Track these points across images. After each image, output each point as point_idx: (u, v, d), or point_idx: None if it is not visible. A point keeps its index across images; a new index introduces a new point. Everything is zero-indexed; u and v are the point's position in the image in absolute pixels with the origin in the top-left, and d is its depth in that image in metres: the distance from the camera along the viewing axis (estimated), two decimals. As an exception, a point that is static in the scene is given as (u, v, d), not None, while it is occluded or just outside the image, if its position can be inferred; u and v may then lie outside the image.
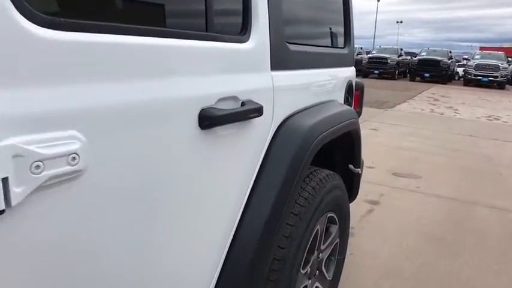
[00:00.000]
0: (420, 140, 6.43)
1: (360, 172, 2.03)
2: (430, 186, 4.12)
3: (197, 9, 1.03)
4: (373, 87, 15.66)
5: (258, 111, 1.12)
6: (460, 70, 22.53)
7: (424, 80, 19.63)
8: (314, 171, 1.60)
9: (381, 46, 24.47)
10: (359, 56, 22.07)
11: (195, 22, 1.04)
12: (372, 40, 48.67)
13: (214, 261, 1.12)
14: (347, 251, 2.63)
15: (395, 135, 6.73)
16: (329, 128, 1.48)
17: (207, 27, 1.03)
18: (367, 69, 20.45)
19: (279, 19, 1.28)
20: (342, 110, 1.69)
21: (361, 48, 24.49)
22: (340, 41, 1.97)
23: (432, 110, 10.28)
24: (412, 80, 20.20)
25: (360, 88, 2.20)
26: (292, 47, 1.38)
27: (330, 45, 1.82)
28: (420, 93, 14.53)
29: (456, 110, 10.48)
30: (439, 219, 3.30)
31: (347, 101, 2.01)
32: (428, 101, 12.24)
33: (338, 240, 1.88)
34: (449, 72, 20.41)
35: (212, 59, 1.00)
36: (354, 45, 2.08)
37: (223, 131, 1.03)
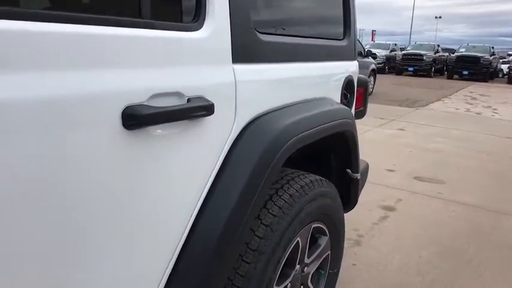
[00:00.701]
0: (450, 141, 6.05)
1: (358, 178, 1.83)
2: (454, 193, 3.82)
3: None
4: (406, 85, 15.07)
5: (206, 109, 0.97)
6: (505, 67, 21.32)
7: (462, 77, 18.70)
8: (296, 177, 1.44)
9: (417, 42, 23.54)
10: (393, 53, 21.36)
11: (129, 7, 0.90)
12: (408, 36, 47.05)
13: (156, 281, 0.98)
14: (350, 261, 2.45)
15: (422, 135, 6.37)
16: (309, 129, 1.30)
17: (141, 13, 0.89)
18: (401, 66, 19.75)
19: (245, 4, 1.12)
20: (331, 109, 1.51)
21: (395, 44, 23.64)
22: (337, 31, 1.78)
23: (468, 109, 9.72)
24: (450, 77, 19.29)
25: (363, 85, 2.00)
26: (265, 37, 1.22)
27: (322, 36, 1.63)
28: (457, 91, 13.82)
29: (495, 109, 9.85)
30: (460, 230, 3.02)
31: (345, 98, 1.82)
32: (464, 99, 11.61)
33: (329, 252, 1.70)
34: (491, 70, 19.35)
35: (147, 50, 0.86)
36: (355, 36, 1.88)
37: (160, 131, 0.89)
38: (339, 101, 1.75)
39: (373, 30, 63.02)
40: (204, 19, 1.00)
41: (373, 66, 11.58)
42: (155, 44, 0.88)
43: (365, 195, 3.69)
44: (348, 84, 1.81)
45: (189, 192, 1.01)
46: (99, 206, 0.80)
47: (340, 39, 1.78)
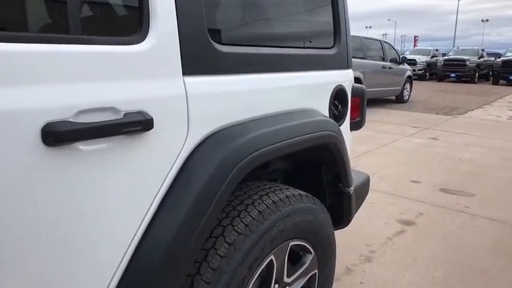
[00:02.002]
0: (485, 151, 5.68)
1: (350, 192, 1.73)
2: (483, 207, 3.56)
3: (64, 9, 0.89)
4: (446, 92, 14.43)
5: (143, 123, 0.94)
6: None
7: (509, 83, 17.66)
8: (270, 192, 1.38)
9: (459, 47, 22.54)
10: (434, 59, 20.58)
11: (58, 23, 0.90)
12: (453, 41, 45.20)
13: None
14: (358, 279, 2.32)
15: (456, 145, 6.03)
16: (274, 143, 1.24)
17: (68, 29, 0.88)
18: (443, 72, 18.95)
19: (197, 14, 1.09)
20: (308, 121, 1.43)
21: (437, 50, 22.73)
22: (324, 39, 1.71)
23: (511, 117, 9.13)
24: (495, 83, 18.27)
25: (359, 94, 1.90)
26: (225, 48, 1.18)
27: (304, 45, 1.57)
28: (501, 98, 13.06)
29: (542, 117, 9.19)
30: (484, 248, 2.80)
31: (336, 109, 1.74)
32: (508, 107, 10.93)
33: (316, 271, 1.62)
34: (541, 74, 18.11)
35: (73, 66, 0.84)
36: (348, 43, 1.79)
37: (89, 147, 0.87)
38: (327, 112, 1.67)
39: (415, 36, 61.22)
40: (147, 32, 0.98)
41: (408, 73, 11.20)
42: (84, 60, 0.86)
43: (383, 208, 3.53)
44: (338, 94, 1.73)
45: (131, 210, 0.98)
46: (24, 225, 0.79)
47: (328, 48, 1.70)
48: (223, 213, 1.27)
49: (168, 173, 1.05)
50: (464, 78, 18.56)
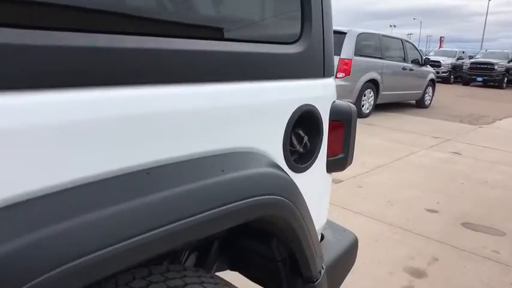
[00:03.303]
0: (518, 172, 4.87)
1: (316, 281, 1.06)
2: (517, 253, 2.82)
3: None
4: (472, 97, 13.43)
5: None
6: None
7: (541, 90, 16.47)
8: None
9: (487, 50, 21.26)
10: (460, 61, 19.44)
11: None
12: (480, 43, 43.35)
13: None
14: None
15: (482, 162, 5.23)
16: (116, 243, 0.58)
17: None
18: (469, 75, 17.85)
19: None
20: (220, 181, 0.75)
21: (463, 52, 21.48)
22: (280, 27, 1.03)
23: (545, 129, 8.19)
24: (526, 89, 17.09)
25: (343, 117, 1.21)
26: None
27: (229, 35, 0.88)
28: (533, 106, 12.01)
29: None
30: (520, 321, 2.08)
31: (300, 143, 1.06)
32: (542, 116, 9.94)
33: None
34: None
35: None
36: (327, 36, 1.11)
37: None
38: (279, 153, 1.00)
39: (441, 37, 59.18)
40: None
41: (431, 76, 10.31)
42: None
43: (389, 249, 2.80)
44: (304, 119, 1.05)
45: None
46: None
47: (288, 43, 1.02)
48: None
49: None
50: (491, 83, 17.42)
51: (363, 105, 8.01)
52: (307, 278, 1.05)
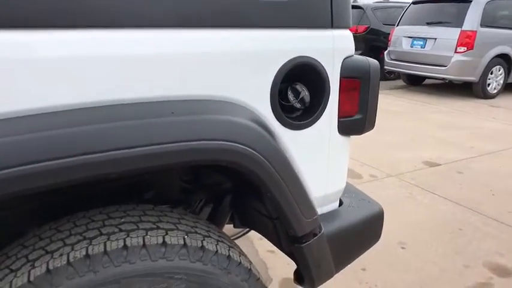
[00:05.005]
0: None
1: (306, 243, 1.01)
2: None
3: None
4: None
5: None
6: None
7: None
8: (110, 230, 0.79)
9: None
10: None
11: None
12: None
13: None
14: None
15: None
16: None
17: None
18: None
19: None
20: (160, 120, 0.76)
21: None
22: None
23: None
24: None
25: (360, 75, 1.09)
26: None
27: None
28: None
29: None
30: None
31: (296, 97, 1.01)
32: None
33: None
34: None
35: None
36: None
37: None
38: (266, 105, 0.96)
39: None
40: None
41: None
42: None
43: (474, 242, 2.44)
44: (303, 73, 1.00)
45: None
46: None
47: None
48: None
49: None
50: None
51: (489, 84, 7.00)
52: (292, 238, 1.01)
